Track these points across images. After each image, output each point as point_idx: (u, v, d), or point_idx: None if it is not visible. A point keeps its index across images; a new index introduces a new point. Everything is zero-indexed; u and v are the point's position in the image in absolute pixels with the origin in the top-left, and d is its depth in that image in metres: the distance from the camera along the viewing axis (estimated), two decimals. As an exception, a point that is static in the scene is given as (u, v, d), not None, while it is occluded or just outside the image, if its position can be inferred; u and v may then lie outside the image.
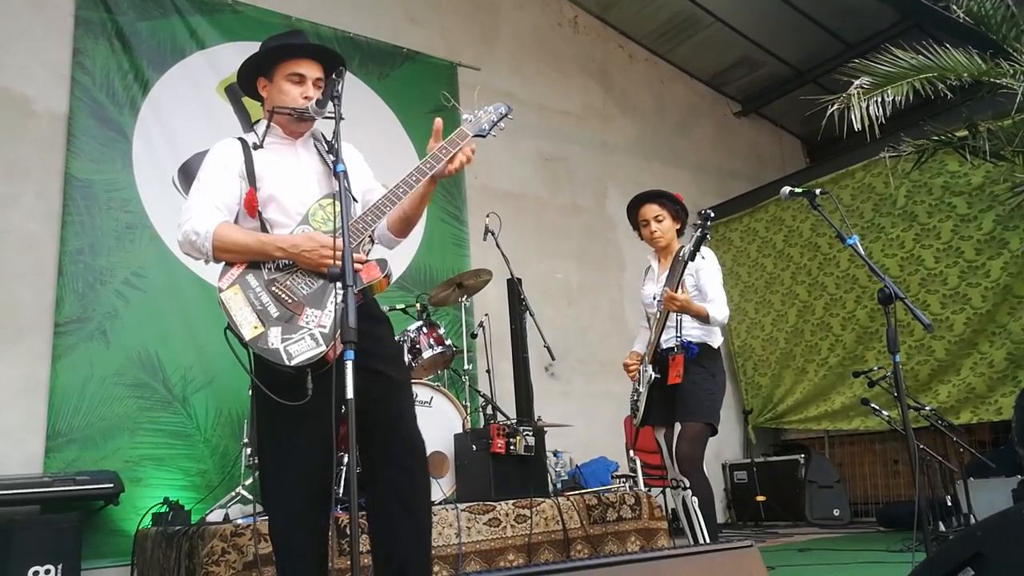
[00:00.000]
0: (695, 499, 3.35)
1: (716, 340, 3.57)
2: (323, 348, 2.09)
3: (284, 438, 2.22)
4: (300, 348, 2.09)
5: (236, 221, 2.32)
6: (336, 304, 2.06)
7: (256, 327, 2.12)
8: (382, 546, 2.26)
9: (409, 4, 6.41)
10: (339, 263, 1.97)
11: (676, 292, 3.34)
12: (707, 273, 3.55)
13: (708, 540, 3.30)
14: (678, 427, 3.42)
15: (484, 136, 2.45)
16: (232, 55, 5.18)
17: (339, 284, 1.94)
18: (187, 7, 5.20)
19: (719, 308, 3.48)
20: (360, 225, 2.23)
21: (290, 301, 2.18)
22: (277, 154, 2.40)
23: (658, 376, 3.47)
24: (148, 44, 5.01)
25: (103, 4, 4.87)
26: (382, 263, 2.25)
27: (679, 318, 3.47)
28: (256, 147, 2.37)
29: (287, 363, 2.07)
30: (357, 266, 2.17)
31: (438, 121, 2.36)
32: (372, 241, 2.37)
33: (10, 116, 4.53)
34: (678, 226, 3.67)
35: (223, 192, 2.30)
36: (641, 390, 3.58)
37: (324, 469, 2.15)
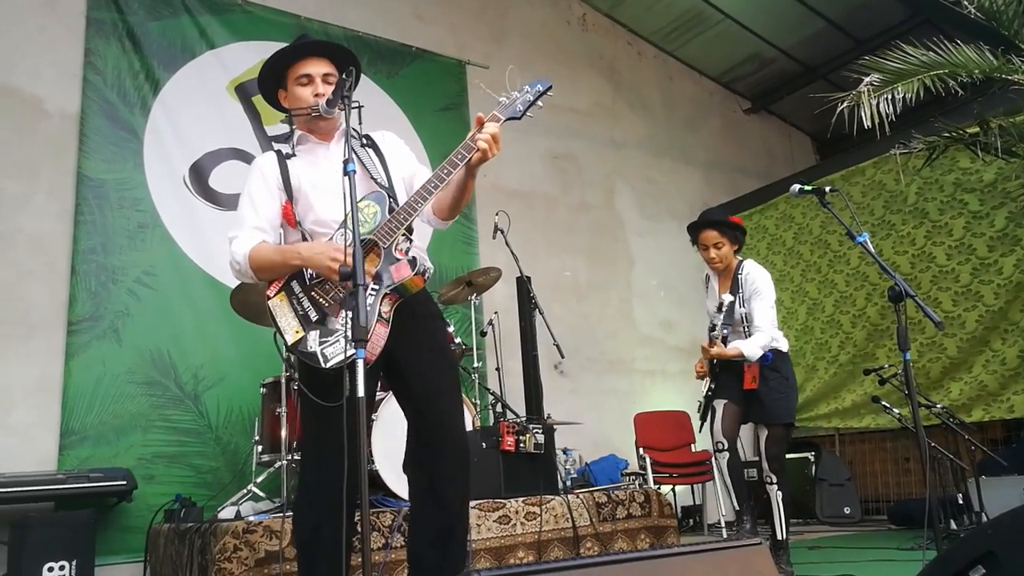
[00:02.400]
0: (780, 494, 3.71)
1: (784, 344, 3.86)
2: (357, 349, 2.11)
3: (322, 436, 2.23)
4: (335, 350, 2.14)
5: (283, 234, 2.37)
6: (373, 304, 2.13)
7: (297, 332, 2.19)
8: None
9: (418, 2, 6.41)
10: (349, 262, 1.98)
11: (711, 346, 3.73)
12: (759, 299, 3.80)
13: (785, 532, 3.72)
14: (764, 430, 3.77)
15: (519, 118, 2.33)
16: (242, 54, 5.17)
17: (375, 282, 1.99)
18: (197, 6, 5.21)
19: (754, 343, 3.69)
20: (392, 224, 2.21)
21: (327, 305, 2.21)
22: (312, 162, 2.40)
23: (711, 391, 3.83)
24: (159, 44, 5.03)
25: (114, 4, 4.89)
26: (412, 261, 2.24)
27: (745, 329, 3.79)
28: (289, 156, 2.39)
29: (323, 365, 2.13)
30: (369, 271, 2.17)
31: (480, 116, 2.30)
32: (409, 240, 2.33)
33: (22, 116, 4.57)
34: (736, 247, 3.96)
35: (265, 210, 2.33)
36: (703, 390, 3.93)
37: (357, 467, 2.16)
